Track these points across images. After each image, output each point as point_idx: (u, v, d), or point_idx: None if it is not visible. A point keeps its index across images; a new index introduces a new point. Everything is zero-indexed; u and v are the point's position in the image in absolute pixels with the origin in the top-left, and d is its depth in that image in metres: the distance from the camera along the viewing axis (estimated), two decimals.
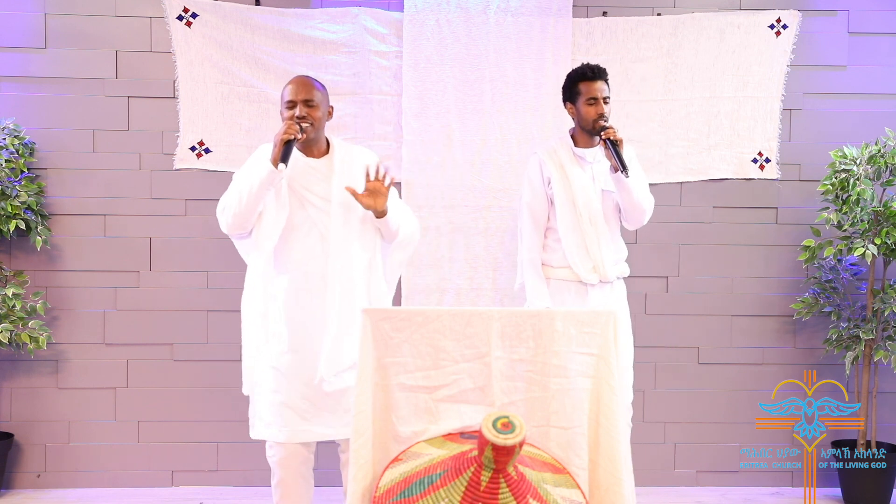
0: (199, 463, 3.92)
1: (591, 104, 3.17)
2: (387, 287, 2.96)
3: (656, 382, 4.01)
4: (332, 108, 2.92)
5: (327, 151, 2.90)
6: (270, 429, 2.79)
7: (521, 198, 3.37)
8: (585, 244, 3.19)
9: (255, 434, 2.85)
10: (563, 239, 3.21)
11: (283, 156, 2.67)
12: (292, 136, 2.68)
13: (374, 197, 2.76)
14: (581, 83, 3.20)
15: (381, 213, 2.79)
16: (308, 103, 2.78)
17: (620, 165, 3.04)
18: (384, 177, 2.76)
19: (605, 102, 3.17)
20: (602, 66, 3.29)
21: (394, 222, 2.85)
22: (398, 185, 3.87)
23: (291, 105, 2.79)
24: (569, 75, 3.27)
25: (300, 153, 2.84)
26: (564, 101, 3.28)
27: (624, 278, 3.32)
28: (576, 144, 3.27)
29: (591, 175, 3.23)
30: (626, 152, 3.21)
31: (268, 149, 2.78)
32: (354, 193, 2.74)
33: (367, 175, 2.76)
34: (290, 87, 2.82)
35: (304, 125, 2.75)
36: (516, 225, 3.88)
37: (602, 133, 3.09)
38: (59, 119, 3.87)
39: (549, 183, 3.24)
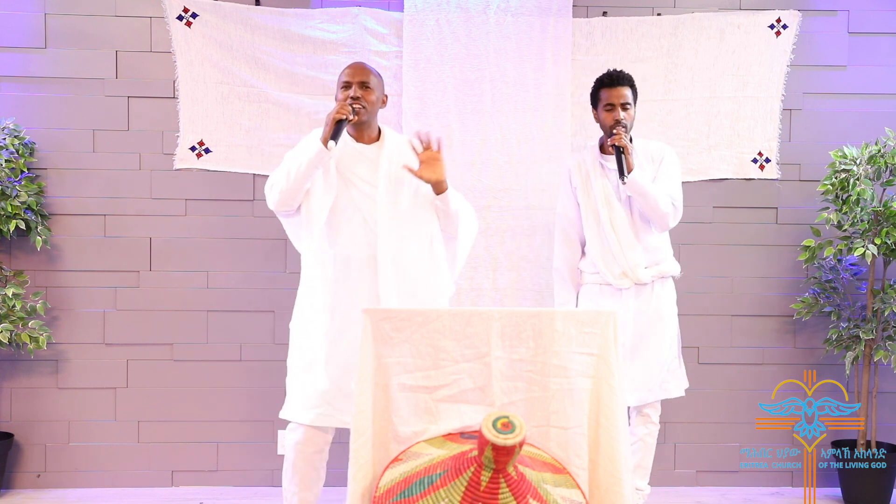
0: (199, 463, 3.92)
1: (608, 110, 3.21)
2: (451, 280, 2.97)
3: None
4: (386, 96, 2.97)
5: (377, 139, 2.93)
6: (294, 410, 2.80)
7: (556, 208, 3.45)
8: (611, 250, 3.23)
9: (283, 414, 2.85)
10: (590, 246, 3.28)
11: (334, 134, 2.70)
12: (344, 116, 2.72)
13: (431, 167, 2.79)
14: (601, 90, 3.24)
15: (441, 187, 2.82)
16: (364, 85, 2.83)
17: (619, 170, 3.07)
18: (433, 142, 2.79)
19: (625, 108, 3.19)
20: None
21: (454, 200, 2.88)
22: None
23: (347, 86, 2.83)
24: (594, 82, 3.30)
25: (350, 137, 2.88)
26: (592, 107, 3.32)
27: (675, 277, 3.33)
28: (603, 152, 3.30)
29: (616, 183, 3.24)
30: (654, 151, 3.28)
31: (318, 132, 2.80)
32: (412, 170, 2.77)
33: (415, 147, 2.80)
34: (347, 69, 2.87)
35: (356, 107, 2.78)
36: (516, 224, 3.90)
37: (609, 139, 3.13)
38: (59, 119, 3.87)
39: (576, 193, 3.31)
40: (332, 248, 2.81)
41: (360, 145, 2.89)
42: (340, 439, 2.95)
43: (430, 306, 2.82)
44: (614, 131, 3.13)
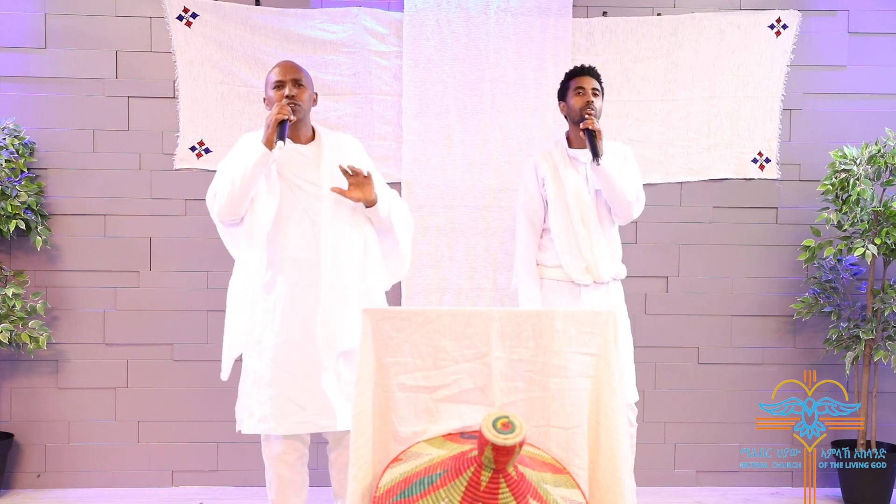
0: (199, 463, 3.92)
1: (578, 94, 3.20)
2: (385, 272, 2.97)
3: (656, 382, 4.01)
4: (316, 94, 2.95)
5: (313, 138, 2.91)
6: (267, 423, 2.75)
7: (517, 200, 3.39)
8: (578, 245, 3.20)
9: (247, 429, 2.80)
10: (556, 240, 3.23)
11: (279, 136, 2.68)
12: (286, 117, 2.70)
13: (361, 188, 2.78)
14: (571, 79, 3.26)
15: (371, 203, 2.82)
16: (297, 83, 2.80)
17: (592, 153, 3.07)
18: (360, 171, 2.76)
19: (595, 95, 3.20)
20: (599, 66, 3.33)
21: (383, 208, 2.86)
22: (398, 184, 3.87)
23: (280, 85, 2.80)
24: (563, 76, 3.33)
25: (287, 139, 2.83)
26: (559, 100, 3.31)
27: (622, 280, 3.32)
28: (570, 146, 3.30)
29: (585, 176, 3.24)
30: (617, 149, 3.27)
31: (251, 138, 2.79)
32: (342, 192, 2.75)
33: (345, 172, 2.76)
34: (276, 69, 2.84)
35: (293, 105, 2.76)
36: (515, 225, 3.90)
37: (581, 124, 3.12)
38: (59, 119, 3.87)
39: (544, 184, 3.28)
40: (281, 252, 2.78)
41: (298, 146, 2.86)
42: (325, 439, 2.95)
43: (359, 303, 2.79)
44: (585, 115, 3.14)
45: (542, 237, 3.32)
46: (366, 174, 2.77)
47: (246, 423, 2.81)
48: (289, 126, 2.76)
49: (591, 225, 3.21)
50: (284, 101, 2.76)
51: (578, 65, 3.30)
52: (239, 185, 2.70)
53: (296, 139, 2.87)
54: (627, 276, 3.36)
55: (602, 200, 3.24)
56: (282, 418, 2.74)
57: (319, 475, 3.69)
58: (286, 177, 2.80)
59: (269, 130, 2.69)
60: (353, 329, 2.73)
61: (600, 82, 3.25)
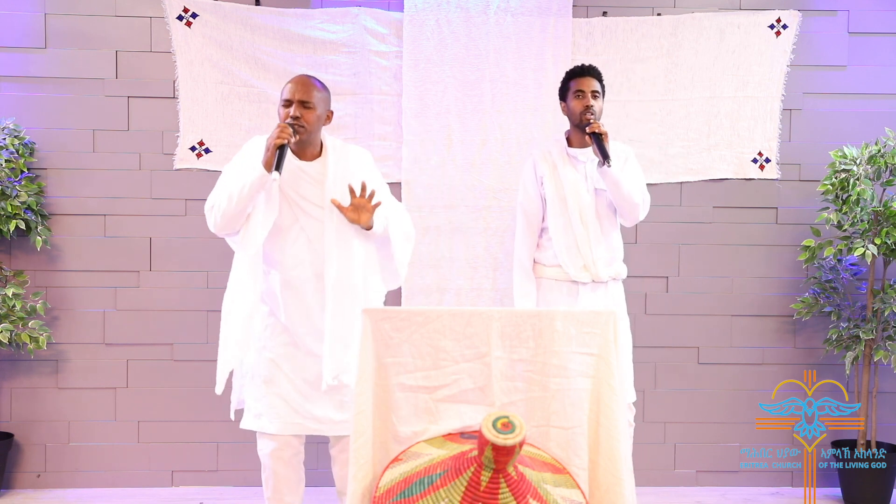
0: (199, 463, 3.92)
1: (578, 97, 3.20)
2: (383, 286, 2.96)
3: (656, 382, 4.01)
4: (331, 112, 2.85)
5: (320, 154, 2.84)
6: (261, 420, 2.78)
7: (517, 199, 3.40)
8: (577, 243, 3.20)
9: (243, 424, 2.83)
10: (554, 238, 3.24)
11: (278, 162, 2.61)
12: (285, 141, 2.62)
13: (358, 212, 2.71)
14: (571, 80, 3.25)
15: (366, 227, 2.76)
16: (305, 104, 2.72)
17: (601, 156, 3.06)
18: (370, 196, 2.70)
19: (594, 97, 3.19)
20: (600, 66, 3.33)
21: (379, 229, 2.80)
22: (398, 184, 3.87)
23: (287, 104, 2.73)
24: (564, 75, 3.32)
25: (292, 155, 2.78)
26: (560, 100, 3.31)
27: (623, 280, 3.32)
28: (570, 145, 3.30)
29: (584, 174, 3.25)
30: (619, 150, 3.25)
31: (258, 144, 2.75)
32: (340, 206, 2.71)
33: (352, 191, 2.69)
34: (289, 85, 2.76)
35: (296, 126, 2.69)
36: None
37: (587, 128, 3.11)
38: (59, 119, 3.87)
39: (542, 182, 3.28)
40: (275, 266, 2.77)
41: (303, 163, 2.79)
42: (327, 438, 2.95)
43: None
44: (590, 120, 3.13)
45: (540, 236, 3.32)
46: (372, 202, 2.70)
47: (244, 418, 2.84)
48: (288, 148, 2.69)
49: (590, 223, 3.21)
50: (289, 119, 2.68)
51: (578, 65, 3.29)
52: (235, 203, 2.66)
53: (301, 156, 2.80)
54: (627, 276, 3.36)
55: (602, 199, 3.23)
56: (276, 417, 2.76)
57: (319, 475, 3.69)
58: (287, 194, 2.76)
59: (268, 153, 2.63)
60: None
61: (601, 82, 3.24)
